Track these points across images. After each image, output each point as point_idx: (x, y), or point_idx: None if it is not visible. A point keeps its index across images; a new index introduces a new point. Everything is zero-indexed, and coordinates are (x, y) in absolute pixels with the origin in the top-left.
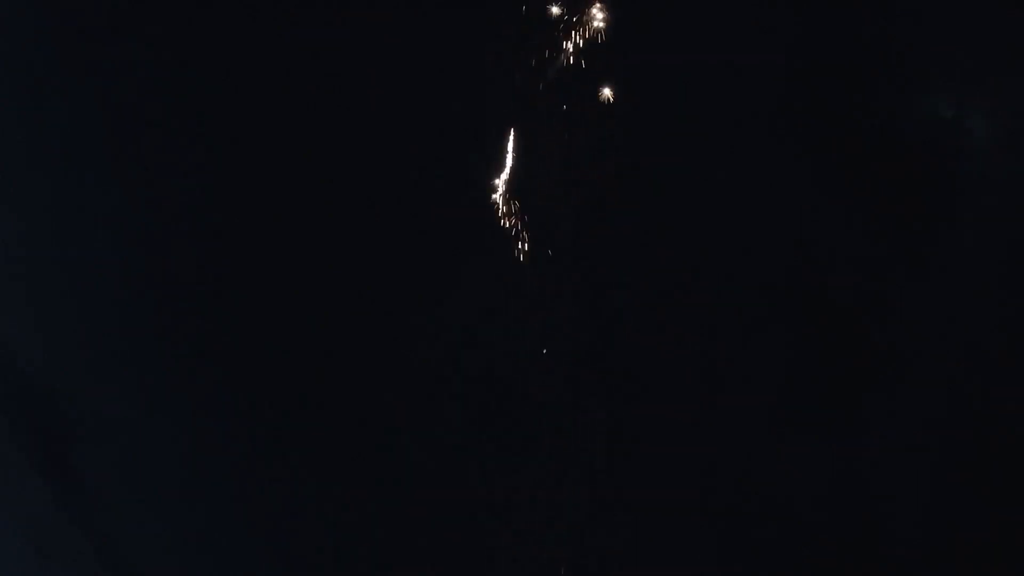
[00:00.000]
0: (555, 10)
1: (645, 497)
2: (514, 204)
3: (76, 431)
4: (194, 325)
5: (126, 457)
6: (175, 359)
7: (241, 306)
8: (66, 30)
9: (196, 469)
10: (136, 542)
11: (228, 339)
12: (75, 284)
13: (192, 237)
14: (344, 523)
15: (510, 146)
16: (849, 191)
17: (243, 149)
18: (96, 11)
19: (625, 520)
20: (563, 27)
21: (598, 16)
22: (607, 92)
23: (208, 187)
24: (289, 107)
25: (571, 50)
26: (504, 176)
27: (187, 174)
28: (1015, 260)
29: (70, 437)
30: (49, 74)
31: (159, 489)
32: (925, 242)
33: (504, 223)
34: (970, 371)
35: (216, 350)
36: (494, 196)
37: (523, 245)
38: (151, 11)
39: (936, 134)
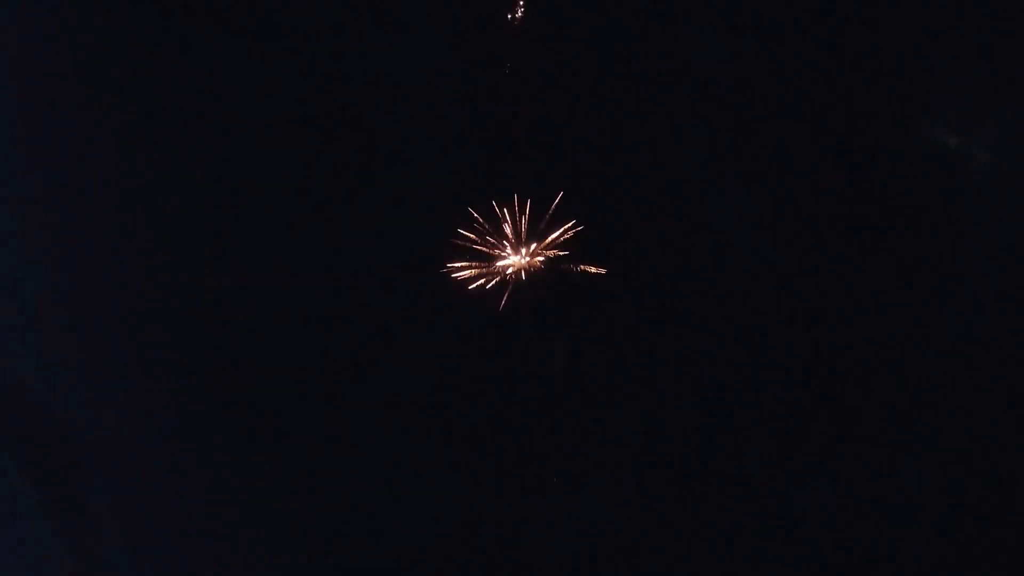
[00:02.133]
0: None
1: (648, 515)
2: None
3: (77, 458)
4: (197, 352)
5: (127, 483)
6: (178, 386)
7: (245, 333)
8: (69, 45)
9: (196, 496)
10: (134, 568)
11: (231, 367)
12: (78, 311)
13: (194, 263)
14: (345, 550)
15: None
16: (854, 217)
17: (246, 173)
18: (99, 21)
19: (628, 539)
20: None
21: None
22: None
23: (209, 211)
24: (293, 116)
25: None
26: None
27: (186, 200)
28: (1018, 284)
29: (71, 464)
30: (52, 93)
31: (159, 516)
32: (928, 265)
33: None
34: (972, 392)
35: (220, 377)
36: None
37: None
38: (155, 19)
39: (940, 160)
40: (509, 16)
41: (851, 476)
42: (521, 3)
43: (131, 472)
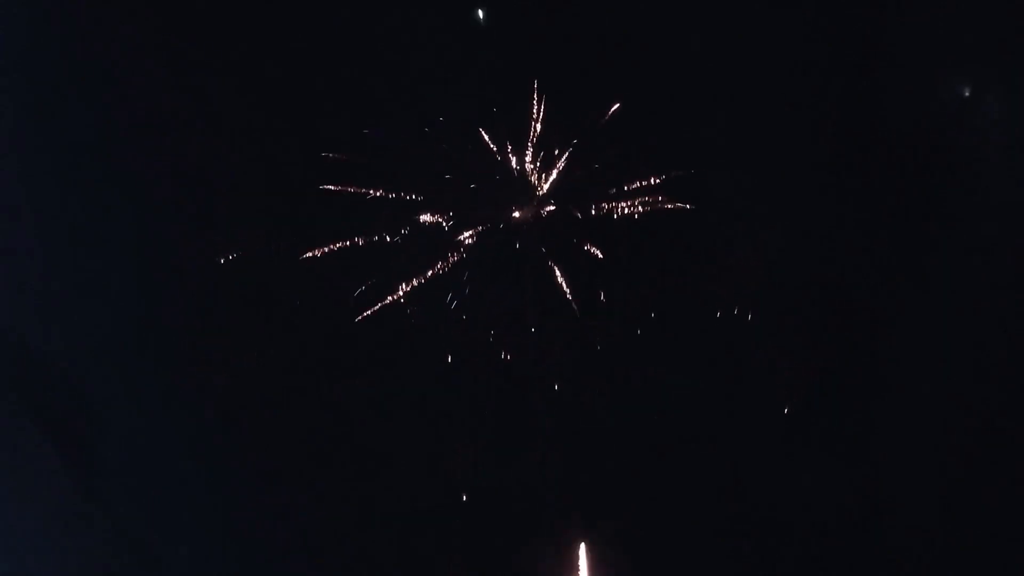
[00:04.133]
0: None
1: (655, 502)
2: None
3: (97, 417)
4: (211, 315)
5: (145, 442)
6: (193, 347)
7: (259, 296)
8: (81, 35)
9: (212, 454)
10: (152, 522)
11: (245, 328)
12: (93, 276)
13: (207, 230)
14: (357, 513)
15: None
16: (863, 179)
17: (253, 141)
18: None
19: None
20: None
21: None
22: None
23: (223, 181)
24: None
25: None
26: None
27: (201, 168)
28: None
29: (91, 423)
30: (66, 74)
31: (176, 474)
32: (939, 230)
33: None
34: (984, 371)
35: (233, 339)
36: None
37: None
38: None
39: (951, 117)
40: None
41: (853, 457)
42: None
43: (148, 432)
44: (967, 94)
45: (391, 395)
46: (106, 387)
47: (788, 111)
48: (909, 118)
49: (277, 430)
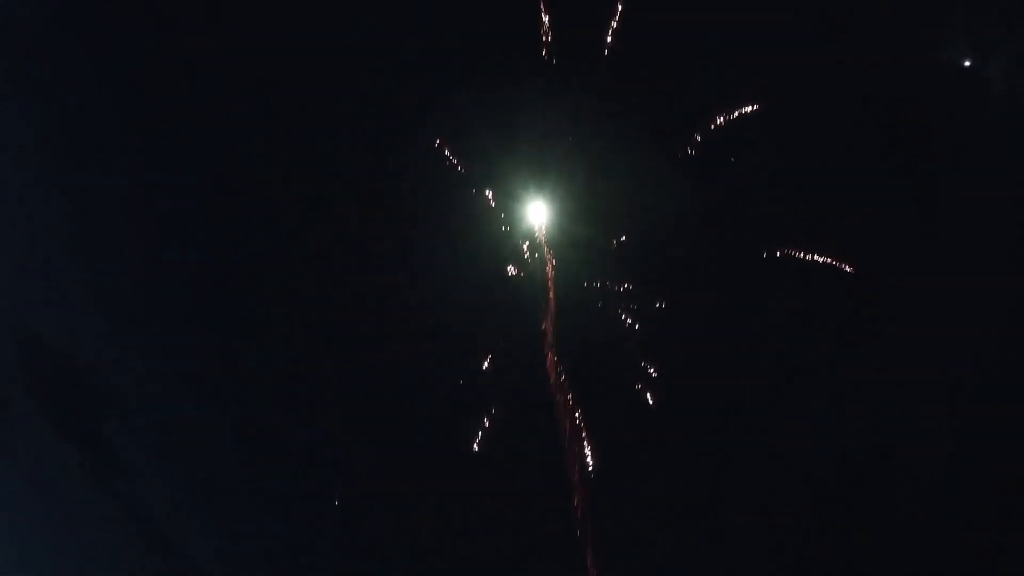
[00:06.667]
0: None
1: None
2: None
3: (105, 403)
4: (218, 298)
5: (155, 426)
6: (199, 330)
7: (265, 281)
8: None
9: (223, 438)
10: (165, 508)
11: (252, 312)
12: (98, 260)
13: (213, 213)
14: (372, 495)
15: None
16: (864, 142)
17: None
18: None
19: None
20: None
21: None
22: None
23: (228, 161)
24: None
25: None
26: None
27: (205, 150)
28: None
29: (99, 410)
30: (67, 65)
31: (187, 459)
32: (941, 193)
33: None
34: (978, 320)
35: (240, 323)
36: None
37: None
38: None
39: (954, 84)
40: None
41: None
42: None
43: (161, 417)
44: (967, 64)
45: (419, 393)
46: (122, 378)
47: (784, 91)
48: (906, 88)
49: (304, 421)
